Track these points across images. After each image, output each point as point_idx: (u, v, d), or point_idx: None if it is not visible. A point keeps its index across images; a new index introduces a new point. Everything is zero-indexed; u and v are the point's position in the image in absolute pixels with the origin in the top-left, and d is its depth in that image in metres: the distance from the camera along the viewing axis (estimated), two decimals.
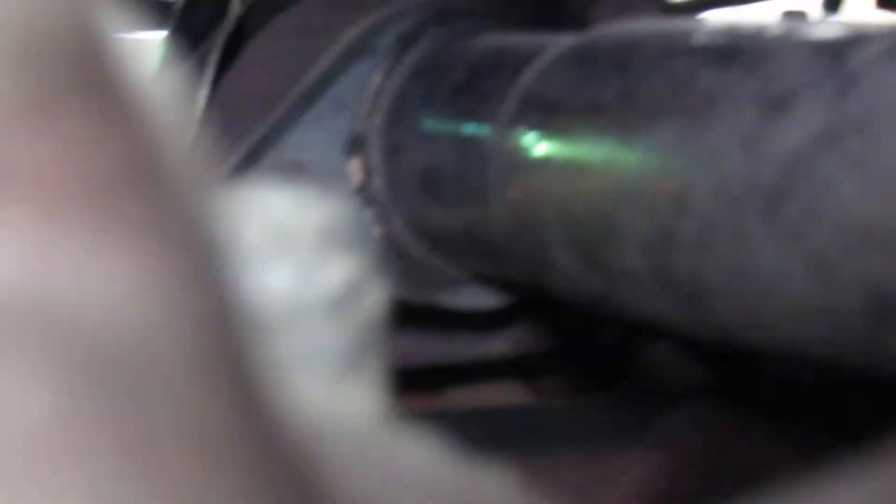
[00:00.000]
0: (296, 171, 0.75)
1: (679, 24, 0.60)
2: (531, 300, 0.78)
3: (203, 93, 0.79)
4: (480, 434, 0.92)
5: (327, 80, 0.77)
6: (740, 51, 0.53)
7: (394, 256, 0.77)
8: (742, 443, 0.86)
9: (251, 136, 0.77)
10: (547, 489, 0.87)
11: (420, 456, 0.29)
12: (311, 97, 0.76)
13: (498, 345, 0.90)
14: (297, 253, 0.35)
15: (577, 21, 0.79)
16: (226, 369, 0.19)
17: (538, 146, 0.62)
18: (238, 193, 0.35)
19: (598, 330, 0.95)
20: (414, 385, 0.96)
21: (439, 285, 0.78)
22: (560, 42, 0.66)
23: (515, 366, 0.96)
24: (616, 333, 0.96)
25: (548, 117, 0.62)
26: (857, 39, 0.50)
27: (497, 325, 0.89)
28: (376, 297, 0.36)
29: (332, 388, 0.35)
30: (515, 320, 0.90)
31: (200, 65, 0.81)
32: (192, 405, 0.17)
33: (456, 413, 0.96)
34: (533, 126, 0.63)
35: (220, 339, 0.19)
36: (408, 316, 0.86)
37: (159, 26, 1.57)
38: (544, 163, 0.62)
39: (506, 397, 0.97)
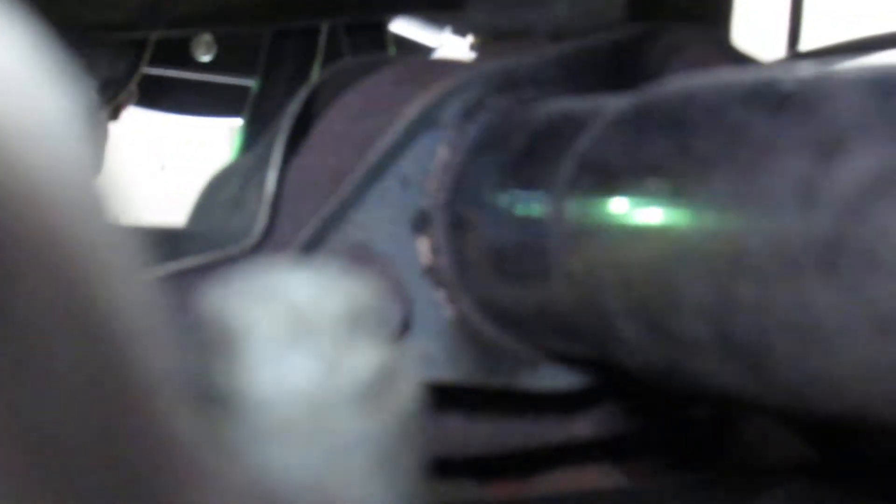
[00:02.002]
0: (361, 252, 0.73)
1: (734, 73, 0.57)
2: (613, 378, 0.75)
3: (272, 175, 0.77)
4: None
5: (391, 155, 0.74)
6: (794, 94, 0.50)
7: (467, 339, 0.74)
8: None
9: (317, 217, 0.74)
10: None
11: None
12: (375, 174, 0.74)
13: (583, 426, 0.88)
14: (319, 340, 0.31)
15: (650, 81, 0.76)
16: None
17: (595, 212, 0.60)
18: (252, 276, 0.32)
19: (690, 406, 0.92)
20: (500, 471, 0.93)
21: (516, 367, 0.75)
22: (616, 103, 0.63)
23: (605, 447, 0.93)
24: (708, 409, 0.92)
25: (604, 181, 0.60)
26: None
27: (581, 405, 0.86)
28: (410, 384, 0.33)
29: (366, 486, 0.31)
30: (601, 400, 0.86)
31: (269, 147, 0.79)
32: None
33: (545, 499, 0.92)
34: (589, 192, 0.61)
35: None
36: (487, 400, 0.82)
37: (237, 112, 1.59)
38: (601, 229, 0.60)
39: (596, 480, 0.94)
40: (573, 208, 0.62)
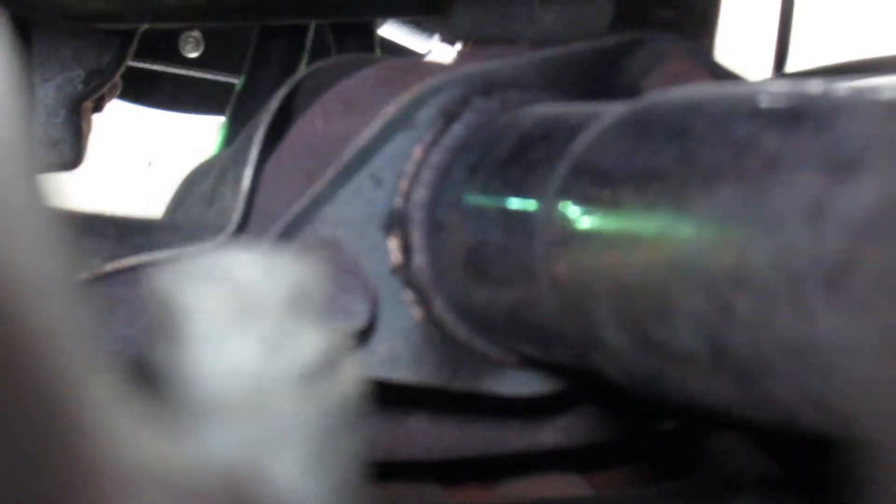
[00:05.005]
0: (331, 249, 0.72)
1: (741, 87, 0.56)
2: (583, 386, 0.74)
3: (249, 171, 0.77)
4: None
5: (366, 154, 0.73)
6: (805, 111, 0.49)
7: (433, 340, 0.73)
8: None
9: (288, 212, 0.74)
10: None
11: None
12: (348, 172, 0.73)
13: (549, 434, 0.87)
14: (262, 323, 0.31)
15: (629, 90, 0.75)
16: None
17: (588, 218, 0.58)
18: (200, 259, 0.31)
19: (658, 419, 0.91)
20: (464, 477, 0.93)
21: (480, 371, 0.74)
22: (613, 110, 0.62)
23: (571, 456, 0.93)
24: (678, 422, 0.92)
25: (599, 187, 0.58)
26: None
27: (548, 413, 0.86)
28: (352, 373, 0.32)
29: (303, 470, 0.31)
30: (568, 409, 0.86)
31: (247, 143, 0.79)
32: None
33: None
34: (582, 197, 0.59)
35: None
36: (452, 404, 0.82)
37: (222, 109, 1.58)
38: (593, 235, 0.58)
39: (561, 489, 0.93)
40: (563, 213, 0.60)
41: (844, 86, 0.50)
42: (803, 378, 0.47)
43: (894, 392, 0.43)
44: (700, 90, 0.59)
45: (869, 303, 0.42)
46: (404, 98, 0.74)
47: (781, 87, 0.53)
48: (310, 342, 0.32)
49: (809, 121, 0.48)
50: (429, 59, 1.71)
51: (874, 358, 0.43)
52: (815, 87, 0.51)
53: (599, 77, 0.78)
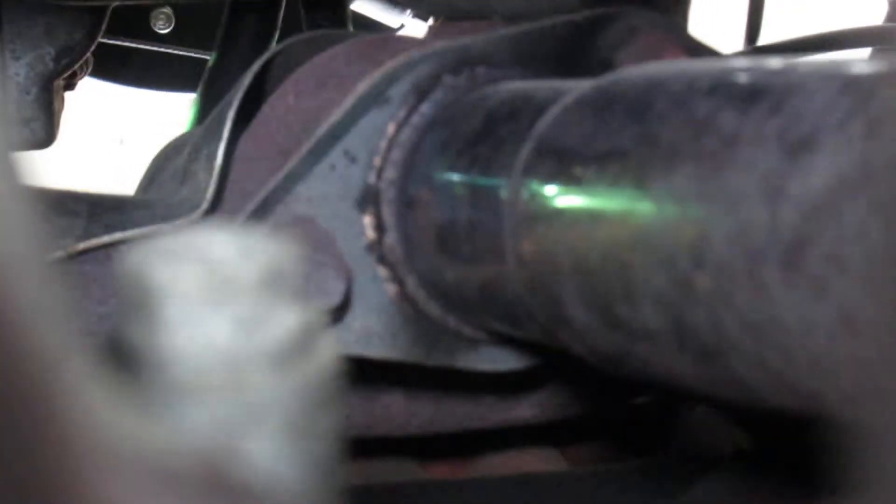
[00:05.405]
0: (305, 225, 0.72)
1: (701, 64, 0.56)
2: (557, 362, 0.74)
3: (222, 147, 0.76)
4: (510, 502, 0.89)
5: (339, 130, 0.73)
6: (764, 90, 0.49)
7: (408, 316, 0.73)
8: None
9: (262, 189, 0.73)
10: None
11: None
12: (321, 149, 0.73)
13: (525, 410, 0.87)
14: (236, 301, 0.31)
15: (602, 65, 0.75)
16: None
17: (552, 196, 0.59)
18: (174, 235, 0.31)
19: (633, 394, 0.92)
20: (440, 452, 0.93)
21: (455, 347, 0.75)
22: (577, 87, 0.62)
23: (547, 432, 0.93)
24: (652, 398, 0.92)
25: (562, 165, 0.59)
26: (887, 76, 0.46)
27: (523, 389, 0.86)
28: (328, 350, 0.32)
29: (279, 448, 0.31)
30: (543, 384, 0.86)
31: (220, 120, 0.78)
32: None
33: (485, 481, 0.92)
34: (547, 175, 0.59)
35: None
36: (428, 380, 0.82)
37: (194, 87, 1.58)
38: (558, 214, 0.58)
39: (537, 464, 0.94)
40: (529, 191, 0.61)
41: (803, 64, 0.51)
42: (763, 355, 0.47)
43: (852, 368, 0.43)
44: (662, 68, 0.59)
45: (824, 280, 0.43)
46: (377, 74, 0.74)
47: (741, 64, 0.53)
48: (285, 320, 0.32)
49: (766, 99, 0.49)
50: (401, 34, 1.71)
51: (830, 334, 0.43)
52: (774, 64, 0.51)
53: (573, 52, 0.78)
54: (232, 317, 0.31)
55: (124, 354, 0.32)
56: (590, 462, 0.95)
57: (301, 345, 0.32)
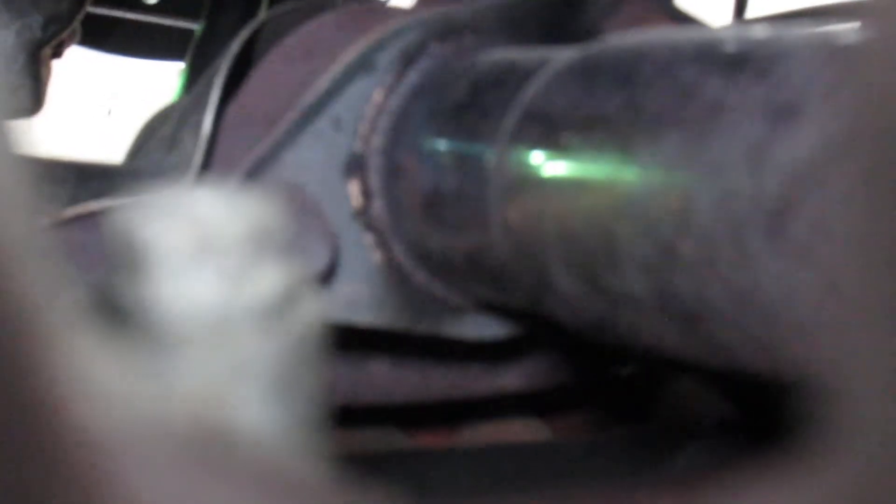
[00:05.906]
0: (293, 193, 0.72)
1: (688, 32, 0.56)
2: (544, 331, 0.75)
3: (209, 115, 0.76)
4: (495, 471, 0.89)
5: (326, 98, 0.73)
6: (749, 57, 0.49)
7: (394, 284, 0.74)
8: None
9: (249, 157, 0.73)
10: None
11: None
12: (308, 116, 0.73)
13: (511, 379, 0.87)
14: (223, 258, 0.31)
15: (590, 34, 0.75)
16: None
17: (538, 164, 0.59)
18: (161, 195, 0.31)
19: (618, 363, 0.92)
20: (426, 421, 0.94)
21: (441, 314, 0.75)
22: (564, 55, 0.62)
23: (532, 401, 0.93)
24: (637, 367, 0.93)
25: (548, 133, 0.59)
26: (875, 42, 0.46)
27: (509, 358, 0.86)
28: (313, 309, 0.33)
29: (263, 405, 0.31)
30: (528, 353, 0.86)
31: (207, 88, 0.78)
32: None
33: (471, 450, 0.92)
34: (533, 143, 0.60)
35: None
36: (413, 348, 0.82)
37: (181, 56, 1.57)
38: (544, 181, 0.58)
39: (523, 433, 0.94)
40: (515, 158, 0.61)
41: (789, 32, 0.51)
42: (747, 322, 0.47)
43: (834, 335, 0.43)
44: (648, 36, 0.59)
45: (808, 247, 0.43)
46: (364, 42, 0.74)
47: (728, 32, 0.53)
48: (270, 277, 0.32)
49: (752, 66, 0.49)
50: (390, 2, 1.71)
51: (814, 301, 0.43)
52: (760, 32, 0.51)
53: (559, 21, 0.78)
54: (218, 272, 0.31)
55: (112, 310, 0.32)
56: (575, 432, 0.96)
57: (286, 302, 0.32)
